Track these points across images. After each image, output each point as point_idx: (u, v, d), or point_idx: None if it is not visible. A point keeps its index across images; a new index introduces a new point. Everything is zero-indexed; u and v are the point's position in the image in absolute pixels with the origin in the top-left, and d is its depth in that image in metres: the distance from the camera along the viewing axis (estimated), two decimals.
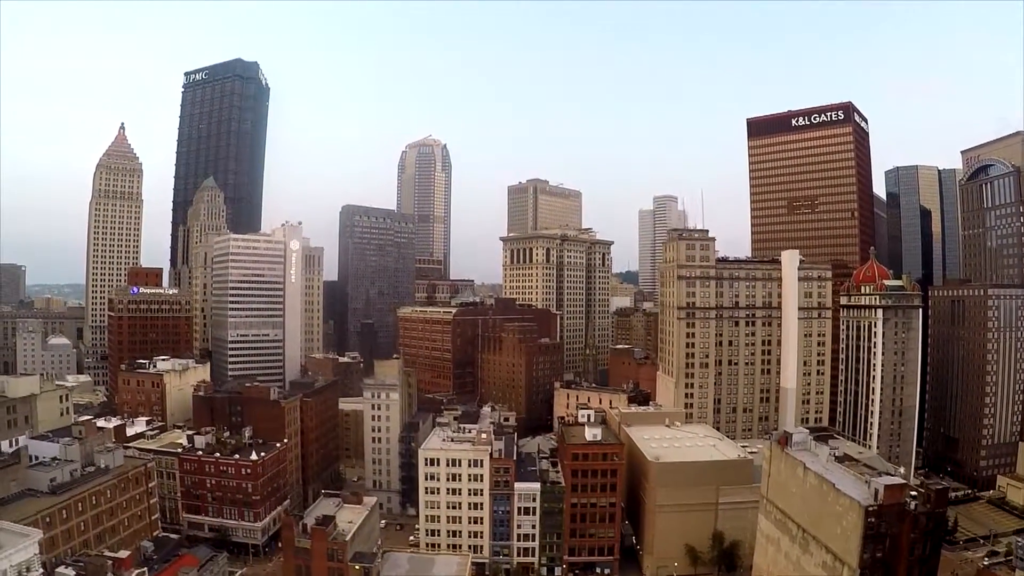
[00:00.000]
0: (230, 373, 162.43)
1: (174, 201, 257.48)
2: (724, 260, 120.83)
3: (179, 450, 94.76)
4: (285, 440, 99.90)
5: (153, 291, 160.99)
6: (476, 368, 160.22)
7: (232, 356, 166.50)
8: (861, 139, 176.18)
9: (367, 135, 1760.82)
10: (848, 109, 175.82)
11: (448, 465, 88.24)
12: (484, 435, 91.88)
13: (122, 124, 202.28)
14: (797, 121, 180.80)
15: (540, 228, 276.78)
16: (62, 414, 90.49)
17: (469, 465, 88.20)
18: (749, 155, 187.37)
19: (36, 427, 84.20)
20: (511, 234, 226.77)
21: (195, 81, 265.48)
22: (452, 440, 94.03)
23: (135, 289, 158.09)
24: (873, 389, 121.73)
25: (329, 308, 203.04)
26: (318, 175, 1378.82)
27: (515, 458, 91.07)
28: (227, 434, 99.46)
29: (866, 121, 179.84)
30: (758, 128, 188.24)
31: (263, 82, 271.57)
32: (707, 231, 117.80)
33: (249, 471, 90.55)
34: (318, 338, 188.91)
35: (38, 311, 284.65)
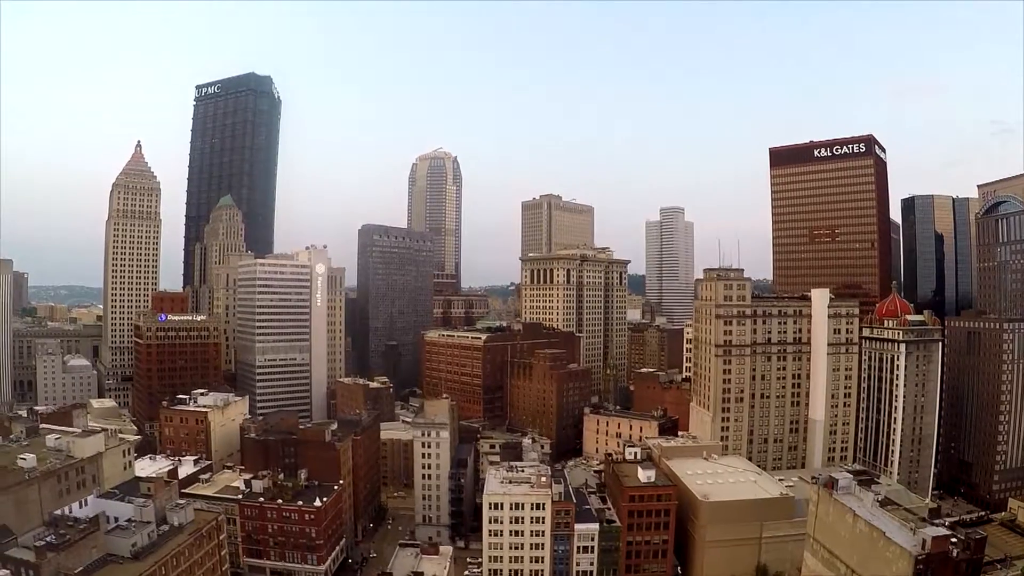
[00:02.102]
0: (258, 398, 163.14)
1: (187, 216, 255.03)
2: (758, 297, 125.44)
3: (239, 496, 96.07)
4: (341, 482, 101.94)
5: (181, 318, 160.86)
6: (506, 393, 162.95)
7: (260, 381, 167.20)
8: (881, 170, 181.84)
9: (373, 147, 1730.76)
10: (869, 142, 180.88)
11: (512, 509, 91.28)
12: (544, 479, 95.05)
13: (138, 142, 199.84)
14: (819, 152, 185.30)
15: (555, 243, 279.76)
16: (125, 468, 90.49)
17: (532, 508, 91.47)
18: (771, 184, 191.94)
19: (103, 485, 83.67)
20: (531, 254, 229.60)
21: (207, 95, 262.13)
22: (510, 482, 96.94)
23: (163, 316, 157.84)
24: (895, 419, 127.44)
25: (349, 327, 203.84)
26: (326, 187, 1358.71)
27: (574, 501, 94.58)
28: (281, 476, 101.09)
29: (884, 151, 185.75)
30: (780, 158, 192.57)
31: (276, 96, 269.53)
32: (742, 270, 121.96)
33: (312, 517, 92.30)
34: (340, 359, 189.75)
35: (44, 321, 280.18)
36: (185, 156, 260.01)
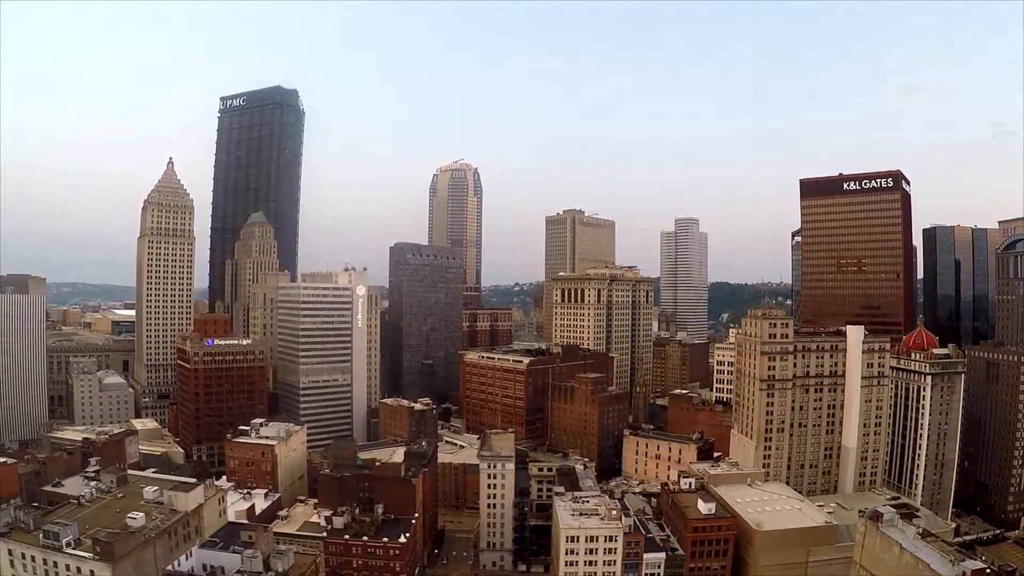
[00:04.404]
0: (302, 419, 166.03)
1: (212, 229, 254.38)
2: (799, 333, 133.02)
3: (323, 534, 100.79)
4: (417, 515, 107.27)
5: (227, 342, 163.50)
6: (546, 414, 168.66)
7: (304, 402, 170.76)
8: (906, 203, 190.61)
9: (392, 157, 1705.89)
10: (897, 177, 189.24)
11: (587, 541, 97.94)
12: (614, 511, 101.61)
13: (170, 159, 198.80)
14: (848, 185, 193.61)
15: (579, 259, 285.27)
16: (220, 515, 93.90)
17: (605, 540, 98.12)
18: (802, 214, 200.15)
19: (203, 534, 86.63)
20: (560, 273, 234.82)
21: (232, 107, 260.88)
22: (580, 514, 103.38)
23: (210, 341, 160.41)
24: (920, 445, 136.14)
25: (382, 345, 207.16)
26: (344, 198, 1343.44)
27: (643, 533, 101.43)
28: (357, 510, 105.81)
29: (909, 184, 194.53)
30: (810, 189, 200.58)
31: (301, 109, 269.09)
32: (784, 311, 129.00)
33: (398, 552, 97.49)
34: (376, 379, 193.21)
35: (58, 326, 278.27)
36: (207, 166, 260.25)
